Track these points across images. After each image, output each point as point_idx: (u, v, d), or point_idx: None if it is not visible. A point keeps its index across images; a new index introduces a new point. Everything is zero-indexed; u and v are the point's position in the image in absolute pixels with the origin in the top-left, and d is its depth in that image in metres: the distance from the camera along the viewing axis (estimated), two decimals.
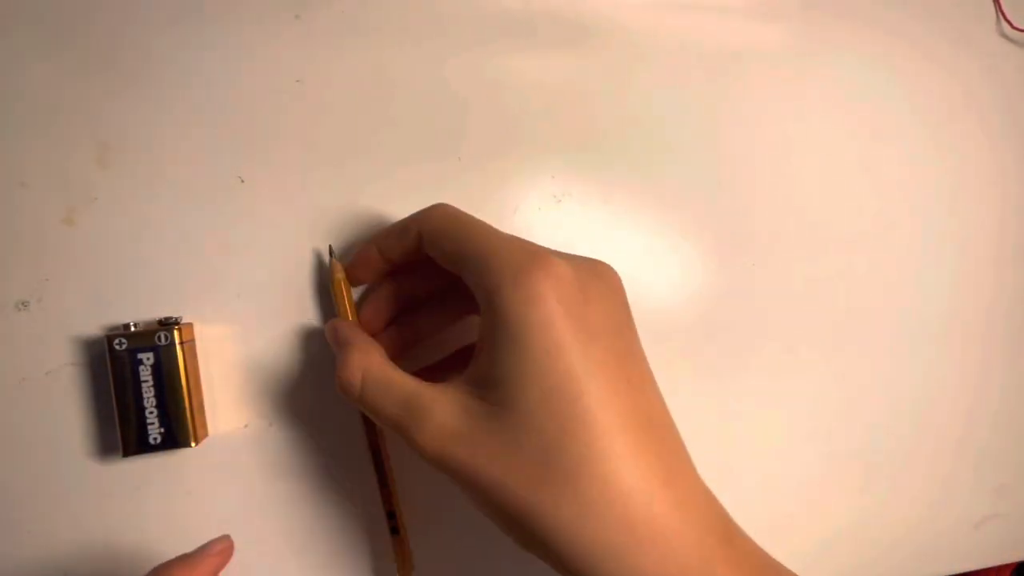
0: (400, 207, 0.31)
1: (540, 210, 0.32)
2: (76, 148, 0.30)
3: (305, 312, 0.31)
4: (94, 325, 0.29)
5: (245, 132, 0.31)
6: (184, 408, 0.28)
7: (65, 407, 0.29)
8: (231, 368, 0.30)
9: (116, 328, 0.29)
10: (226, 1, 0.31)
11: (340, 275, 0.29)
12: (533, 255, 0.22)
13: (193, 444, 0.28)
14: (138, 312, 0.29)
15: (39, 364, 0.29)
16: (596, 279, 0.24)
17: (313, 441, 0.31)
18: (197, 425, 0.28)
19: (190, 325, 0.29)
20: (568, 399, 0.21)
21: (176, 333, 0.28)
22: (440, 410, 0.23)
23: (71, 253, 0.29)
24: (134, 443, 0.28)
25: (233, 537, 0.30)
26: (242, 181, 0.30)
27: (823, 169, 0.34)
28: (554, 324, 0.21)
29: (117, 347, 0.27)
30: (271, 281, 0.30)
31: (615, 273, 0.25)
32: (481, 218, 0.31)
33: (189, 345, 0.29)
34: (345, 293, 0.29)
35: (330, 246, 0.30)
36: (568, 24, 0.33)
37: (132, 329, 0.28)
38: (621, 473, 0.21)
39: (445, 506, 0.31)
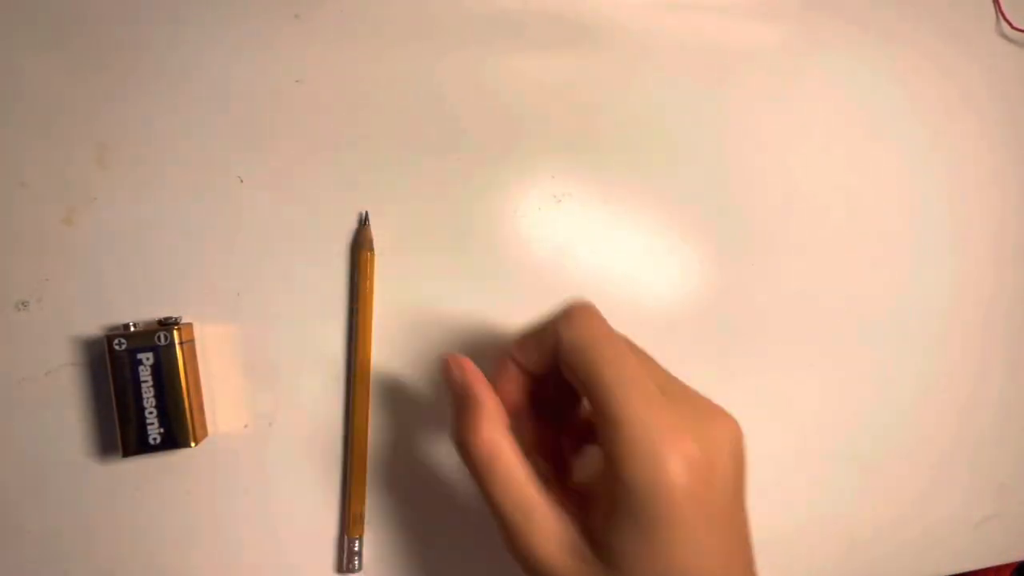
0: (400, 207, 0.31)
1: (540, 210, 0.32)
2: (75, 148, 0.30)
3: (305, 312, 0.30)
4: (94, 325, 0.29)
5: (244, 132, 0.31)
6: (184, 408, 0.28)
7: (65, 407, 0.29)
8: (231, 368, 0.30)
9: (116, 328, 0.29)
10: (225, 0, 0.31)
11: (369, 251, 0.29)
12: (669, 433, 0.22)
13: (193, 444, 0.28)
14: (138, 312, 0.29)
15: (39, 364, 0.29)
16: (724, 456, 0.23)
17: (312, 441, 0.31)
18: (197, 425, 0.28)
19: (190, 325, 0.29)
20: None
21: (176, 333, 0.28)
22: (553, 535, 0.23)
23: (71, 253, 0.29)
24: (134, 443, 0.28)
25: (233, 538, 0.30)
26: (241, 181, 0.30)
27: (822, 168, 0.34)
28: (680, 514, 0.21)
29: (117, 347, 0.27)
30: (271, 281, 0.30)
31: (740, 436, 0.24)
32: (480, 218, 0.32)
33: (189, 345, 0.29)
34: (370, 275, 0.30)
35: (365, 212, 0.31)
36: (568, 24, 0.33)
37: (132, 329, 0.28)
38: None
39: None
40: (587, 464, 0.27)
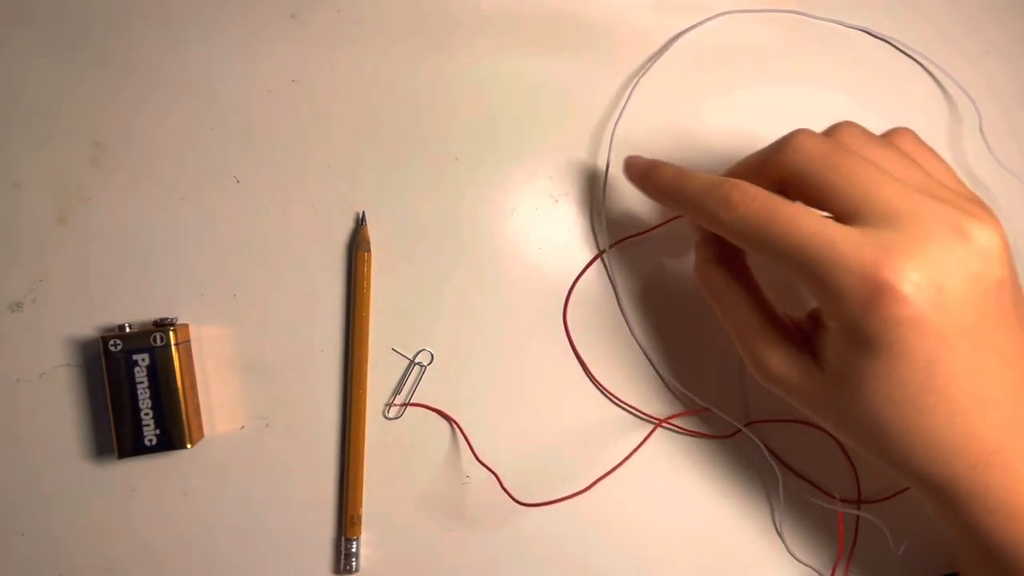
0: (398, 207, 0.31)
1: (538, 210, 0.32)
2: (70, 148, 0.29)
3: (302, 312, 0.30)
4: (89, 326, 0.29)
5: (241, 132, 0.30)
6: (180, 409, 0.28)
7: (60, 409, 0.29)
8: (227, 369, 0.30)
9: (111, 329, 0.29)
10: (222, 0, 0.30)
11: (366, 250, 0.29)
12: (875, 277, 0.21)
13: (189, 446, 0.28)
14: (133, 313, 0.29)
15: (34, 365, 0.29)
16: (957, 276, 0.21)
17: (309, 442, 0.30)
18: (193, 427, 0.28)
19: (186, 326, 0.29)
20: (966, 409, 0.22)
21: (172, 334, 0.28)
22: (783, 354, 0.25)
23: (65, 254, 0.29)
24: (129, 445, 0.27)
25: (229, 539, 0.30)
26: (238, 181, 0.30)
27: None
28: (908, 344, 0.21)
29: (112, 348, 0.27)
30: (267, 281, 0.30)
31: (994, 247, 0.22)
32: (478, 219, 0.32)
33: (185, 346, 0.29)
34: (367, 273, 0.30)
35: (362, 212, 0.31)
36: (565, 24, 0.33)
37: (127, 330, 0.28)
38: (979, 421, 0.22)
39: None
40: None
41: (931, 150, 0.26)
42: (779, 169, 0.25)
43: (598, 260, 0.32)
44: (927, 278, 0.21)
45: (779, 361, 0.25)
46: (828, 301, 0.22)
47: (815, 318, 0.27)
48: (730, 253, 0.28)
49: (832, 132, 0.25)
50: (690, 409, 0.32)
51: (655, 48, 0.33)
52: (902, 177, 0.23)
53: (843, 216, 0.23)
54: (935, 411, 0.22)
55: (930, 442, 0.23)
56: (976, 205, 0.23)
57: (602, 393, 0.32)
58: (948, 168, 0.26)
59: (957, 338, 0.21)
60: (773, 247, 0.23)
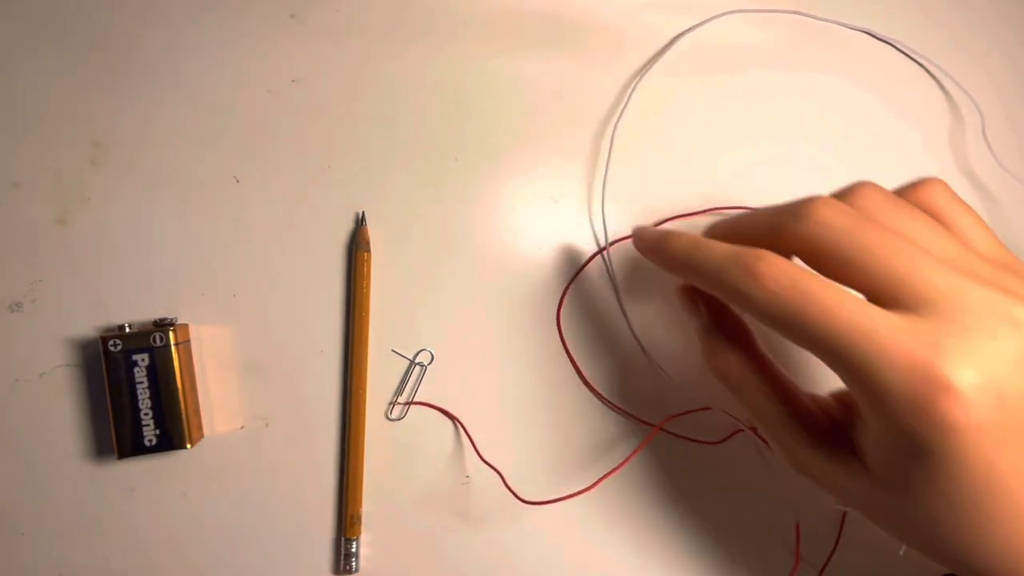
0: (397, 207, 0.31)
1: (537, 210, 0.32)
2: (69, 148, 0.29)
3: (301, 312, 0.30)
4: (88, 326, 0.29)
5: (240, 132, 0.30)
6: (180, 410, 0.28)
7: (59, 409, 0.29)
8: (227, 369, 0.30)
9: (111, 329, 0.28)
10: (221, 0, 0.30)
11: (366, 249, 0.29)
12: (926, 378, 0.19)
13: (189, 446, 0.28)
14: (133, 313, 0.29)
15: (33, 366, 0.29)
16: (1012, 363, 0.19)
17: (309, 442, 0.30)
18: (193, 427, 0.28)
19: (185, 326, 0.29)
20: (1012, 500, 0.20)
21: (171, 334, 0.28)
22: (822, 445, 0.23)
23: (65, 254, 0.29)
24: (129, 445, 0.27)
25: (228, 539, 0.30)
26: (237, 181, 0.30)
27: (820, 170, 0.34)
28: (965, 450, 0.19)
29: (112, 348, 0.27)
30: (267, 281, 0.30)
31: None
32: (477, 219, 0.31)
33: (184, 346, 0.29)
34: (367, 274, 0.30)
35: (362, 212, 0.30)
36: (566, 24, 0.33)
37: (127, 330, 0.28)
38: None
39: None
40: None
41: (964, 206, 0.24)
42: (796, 242, 0.22)
43: (596, 259, 0.32)
44: (986, 378, 0.19)
45: (816, 458, 0.23)
46: (870, 398, 0.20)
47: (846, 405, 0.25)
48: (738, 333, 0.26)
49: (852, 198, 0.23)
50: (690, 409, 0.32)
51: (656, 48, 0.33)
52: (938, 251, 0.21)
53: (876, 299, 0.21)
54: (1001, 516, 0.20)
55: (996, 547, 0.21)
56: (1020, 280, 0.21)
57: (597, 398, 0.32)
58: (984, 228, 0.23)
59: (1016, 436, 0.20)
60: (805, 333, 0.21)
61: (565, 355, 0.32)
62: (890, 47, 0.35)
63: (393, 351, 0.31)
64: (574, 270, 0.32)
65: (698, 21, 0.33)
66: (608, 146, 0.32)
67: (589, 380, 0.32)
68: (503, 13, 0.32)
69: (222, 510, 0.30)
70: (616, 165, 0.32)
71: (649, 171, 0.33)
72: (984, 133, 0.34)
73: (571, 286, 0.32)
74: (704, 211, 0.33)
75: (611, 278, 0.32)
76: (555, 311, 0.32)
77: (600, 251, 0.32)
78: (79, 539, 0.29)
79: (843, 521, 0.32)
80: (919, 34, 0.35)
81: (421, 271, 0.31)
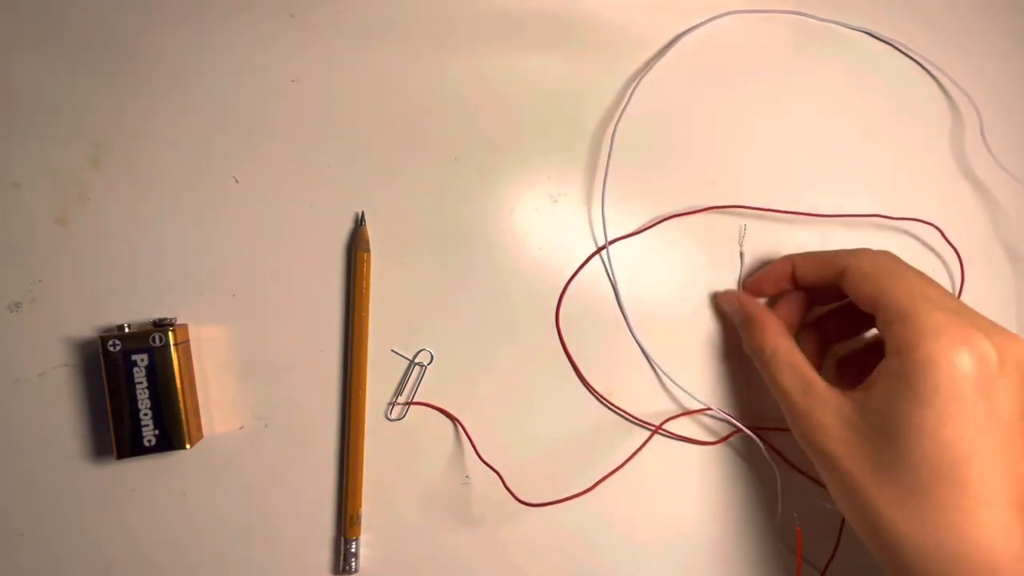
0: (398, 207, 0.31)
1: (537, 210, 0.32)
2: (69, 148, 0.29)
3: (301, 313, 0.30)
4: (87, 326, 0.29)
5: (240, 132, 0.30)
6: (179, 410, 0.28)
7: (58, 409, 0.29)
8: (226, 369, 0.30)
9: (110, 329, 0.28)
10: (221, 0, 0.30)
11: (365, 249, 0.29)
12: (961, 325, 0.24)
13: (188, 446, 0.28)
14: (132, 313, 0.29)
15: (32, 366, 0.29)
16: (1012, 367, 0.24)
17: (309, 442, 0.30)
18: (192, 427, 0.28)
19: (185, 326, 0.29)
20: (950, 461, 0.23)
21: (171, 334, 0.27)
22: (831, 408, 0.26)
23: (64, 254, 0.29)
24: (128, 446, 0.27)
25: (229, 539, 0.30)
26: (237, 181, 0.30)
27: (820, 168, 0.34)
28: (961, 394, 0.23)
29: (111, 348, 0.27)
30: (266, 282, 0.30)
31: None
32: (477, 218, 0.31)
33: (184, 346, 0.28)
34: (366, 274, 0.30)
35: (362, 212, 0.31)
36: (565, 24, 0.33)
37: (126, 330, 0.28)
38: (991, 540, 0.23)
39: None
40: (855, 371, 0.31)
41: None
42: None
43: (595, 259, 0.32)
44: (996, 355, 0.24)
45: (823, 386, 0.27)
46: (912, 332, 0.24)
47: (854, 384, 0.28)
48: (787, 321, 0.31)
49: None
50: (690, 409, 0.32)
51: (656, 48, 0.33)
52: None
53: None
54: (938, 482, 0.24)
55: (929, 510, 0.24)
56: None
57: (596, 398, 0.32)
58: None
59: (997, 415, 0.24)
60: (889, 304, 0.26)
61: (565, 355, 0.32)
62: (890, 47, 0.35)
63: (393, 351, 0.31)
64: (573, 269, 0.32)
65: (698, 21, 0.33)
66: (608, 146, 0.32)
67: (589, 380, 0.32)
68: (503, 13, 0.32)
69: (222, 510, 0.30)
70: (616, 165, 0.32)
71: (649, 171, 0.33)
72: (983, 133, 0.34)
73: (570, 286, 0.32)
74: (704, 211, 0.33)
75: (610, 278, 0.32)
76: (554, 311, 0.32)
77: (599, 250, 0.32)
78: (78, 539, 0.29)
79: (843, 521, 0.32)
80: (919, 34, 0.35)
81: (421, 271, 0.31)
